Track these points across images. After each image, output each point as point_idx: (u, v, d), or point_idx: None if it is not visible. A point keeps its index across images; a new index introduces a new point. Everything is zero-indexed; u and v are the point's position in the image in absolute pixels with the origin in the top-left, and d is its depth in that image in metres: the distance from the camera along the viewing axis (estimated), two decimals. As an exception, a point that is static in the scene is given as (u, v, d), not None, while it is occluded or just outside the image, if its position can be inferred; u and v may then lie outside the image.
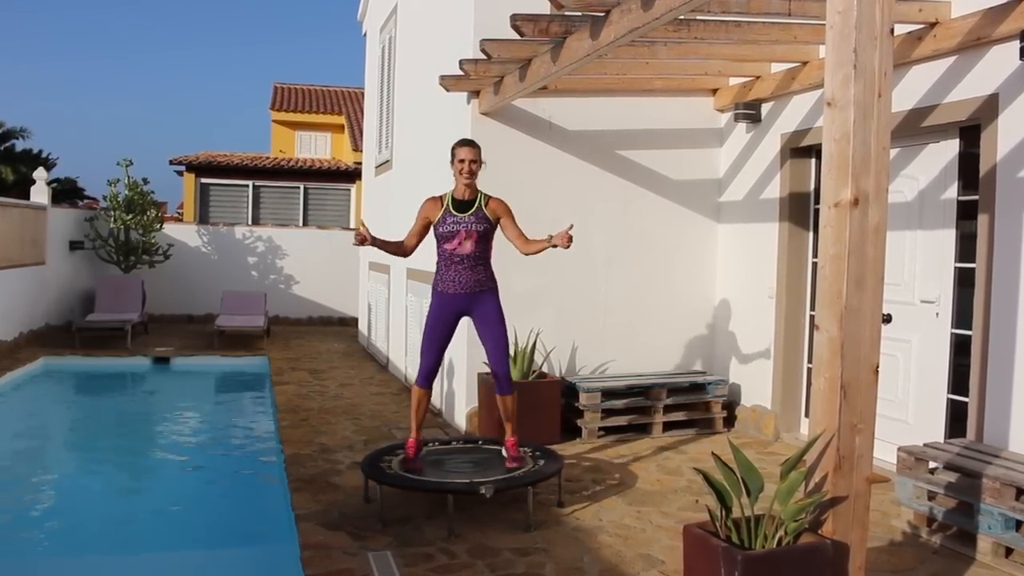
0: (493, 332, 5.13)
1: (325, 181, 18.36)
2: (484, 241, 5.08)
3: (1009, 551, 4.21)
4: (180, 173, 18.69)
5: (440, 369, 5.62)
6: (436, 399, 7.56)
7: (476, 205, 5.06)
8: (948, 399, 5.54)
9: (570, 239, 4.78)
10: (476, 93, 6.81)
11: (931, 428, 5.59)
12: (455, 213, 5.04)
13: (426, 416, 5.30)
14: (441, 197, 5.17)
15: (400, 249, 5.20)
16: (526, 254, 5.14)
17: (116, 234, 13.40)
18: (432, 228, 5.13)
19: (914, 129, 5.57)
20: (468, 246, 5.02)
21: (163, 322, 14.13)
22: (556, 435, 6.54)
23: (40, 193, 12.43)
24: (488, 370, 5.36)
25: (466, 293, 5.08)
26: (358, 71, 13.50)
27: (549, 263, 7.02)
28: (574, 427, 6.78)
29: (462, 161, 5.06)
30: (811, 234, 6.77)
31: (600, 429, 6.78)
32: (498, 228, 5.15)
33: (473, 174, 5.07)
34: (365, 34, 12.83)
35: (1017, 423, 4.81)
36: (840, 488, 3.20)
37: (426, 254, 7.89)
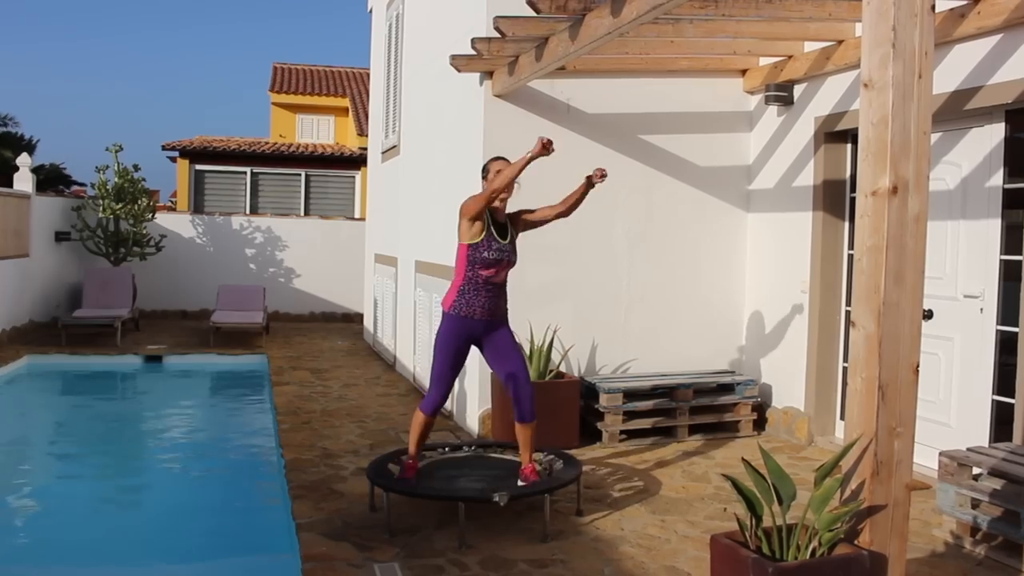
0: (513, 359, 5.09)
1: (328, 167, 18.41)
2: (509, 270, 5.15)
3: (1059, 563, 4.22)
4: (173, 159, 18.79)
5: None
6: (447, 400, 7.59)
7: (510, 235, 5.09)
8: (993, 400, 5.54)
9: (603, 173, 5.10)
10: (489, 74, 6.83)
11: (975, 431, 5.59)
12: (499, 239, 4.98)
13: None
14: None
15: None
16: (568, 213, 5.25)
17: (105, 224, 13.50)
18: (472, 248, 4.92)
19: (957, 112, 5.56)
20: (503, 275, 5.06)
21: (155, 318, 14.23)
22: (574, 439, 6.57)
23: (23, 180, 12.50)
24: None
25: (488, 320, 5.05)
26: (363, 50, 13.56)
27: (568, 255, 7.05)
28: (594, 430, 6.81)
29: (499, 172, 4.87)
30: (847, 224, 6.77)
31: (621, 432, 6.80)
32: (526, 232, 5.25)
33: (511, 190, 4.97)
34: (371, 11, 12.86)
35: (1068, 427, 4.81)
36: (878, 496, 3.21)
37: (434, 249, 7.95)
